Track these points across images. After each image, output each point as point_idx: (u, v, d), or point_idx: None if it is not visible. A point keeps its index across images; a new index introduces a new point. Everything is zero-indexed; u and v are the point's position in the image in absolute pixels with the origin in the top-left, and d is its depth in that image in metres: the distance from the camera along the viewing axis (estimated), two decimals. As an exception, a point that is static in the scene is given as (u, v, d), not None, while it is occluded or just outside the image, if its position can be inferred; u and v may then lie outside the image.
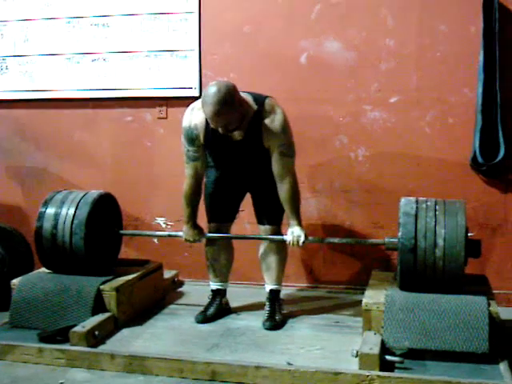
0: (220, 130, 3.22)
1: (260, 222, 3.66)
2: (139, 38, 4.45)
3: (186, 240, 3.63)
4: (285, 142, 3.36)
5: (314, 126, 4.19)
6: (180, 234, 3.67)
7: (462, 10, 3.97)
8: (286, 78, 4.21)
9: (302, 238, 3.40)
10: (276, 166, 3.39)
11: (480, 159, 3.89)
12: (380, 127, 4.15)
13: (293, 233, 3.42)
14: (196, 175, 3.50)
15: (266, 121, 3.31)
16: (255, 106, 3.33)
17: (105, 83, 4.54)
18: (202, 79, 4.35)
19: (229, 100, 3.14)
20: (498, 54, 3.83)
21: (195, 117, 3.39)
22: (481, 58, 3.86)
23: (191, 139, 3.41)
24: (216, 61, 4.34)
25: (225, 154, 3.49)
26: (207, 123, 3.31)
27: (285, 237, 3.47)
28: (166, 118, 4.49)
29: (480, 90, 3.87)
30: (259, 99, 3.36)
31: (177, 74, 4.41)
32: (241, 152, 3.43)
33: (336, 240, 3.66)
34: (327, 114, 4.22)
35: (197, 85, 4.35)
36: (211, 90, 3.15)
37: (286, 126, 3.36)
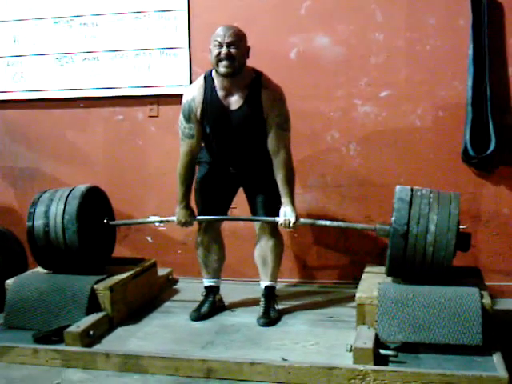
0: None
1: (255, 215, 3.66)
2: (129, 36, 4.44)
3: (178, 222, 3.62)
4: (283, 112, 3.44)
5: (304, 122, 4.18)
6: (172, 218, 3.65)
7: (450, 3, 3.97)
8: (276, 73, 4.13)
9: (293, 219, 3.42)
10: (272, 141, 3.43)
11: (471, 152, 3.90)
12: (371, 121, 4.16)
13: (285, 214, 3.43)
14: (190, 153, 3.53)
15: (266, 89, 3.42)
16: (254, 74, 3.44)
17: (95, 82, 4.53)
18: (193, 76, 4.33)
19: (243, 32, 3.39)
20: (487, 47, 3.84)
21: (193, 88, 3.52)
22: (470, 51, 3.87)
23: (188, 114, 3.47)
24: (206, 58, 4.27)
25: (221, 128, 3.48)
26: (205, 92, 3.43)
27: (277, 218, 3.47)
28: (158, 116, 4.49)
29: (470, 82, 3.88)
30: (257, 71, 3.48)
31: (167, 72, 4.40)
32: (238, 125, 3.44)
33: (327, 223, 3.59)
34: (318, 110, 4.22)
35: (187, 82, 4.33)
36: None
37: (284, 99, 3.47)
